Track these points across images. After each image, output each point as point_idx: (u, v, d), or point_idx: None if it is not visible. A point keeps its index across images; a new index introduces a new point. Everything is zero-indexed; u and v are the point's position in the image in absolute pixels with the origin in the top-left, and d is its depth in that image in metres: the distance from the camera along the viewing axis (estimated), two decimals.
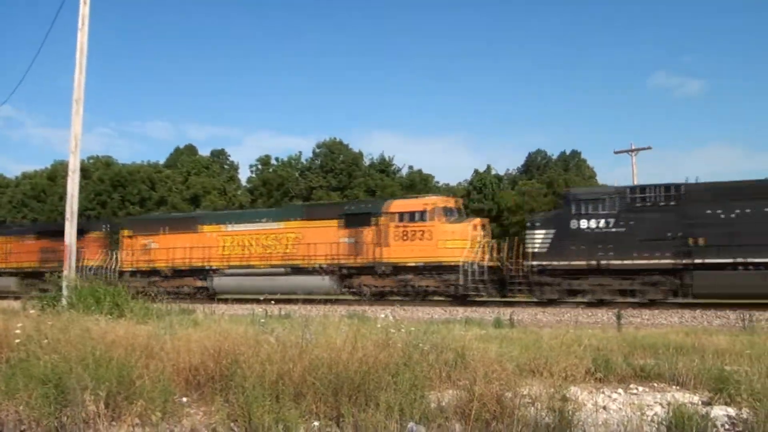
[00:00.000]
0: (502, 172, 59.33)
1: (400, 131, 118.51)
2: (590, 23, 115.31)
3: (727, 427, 6.23)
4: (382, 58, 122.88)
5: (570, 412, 6.09)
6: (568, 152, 61.68)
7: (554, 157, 61.30)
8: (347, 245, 28.70)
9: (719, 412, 6.44)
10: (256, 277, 30.28)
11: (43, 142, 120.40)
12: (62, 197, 30.16)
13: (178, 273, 33.13)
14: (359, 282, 28.70)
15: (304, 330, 8.01)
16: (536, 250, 24.95)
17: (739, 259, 21.85)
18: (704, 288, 22.43)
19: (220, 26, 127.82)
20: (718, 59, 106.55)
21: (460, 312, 21.70)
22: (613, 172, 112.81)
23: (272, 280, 28.92)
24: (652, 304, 23.08)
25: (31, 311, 11.87)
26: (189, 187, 58.15)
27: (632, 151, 38.98)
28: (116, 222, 39.08)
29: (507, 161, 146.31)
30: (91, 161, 62.35)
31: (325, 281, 28.81)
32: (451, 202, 29.01)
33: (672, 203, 23.44)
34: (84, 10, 17.17)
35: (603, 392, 7.32)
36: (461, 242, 26.18)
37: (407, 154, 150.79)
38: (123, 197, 57.21)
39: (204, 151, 67.92)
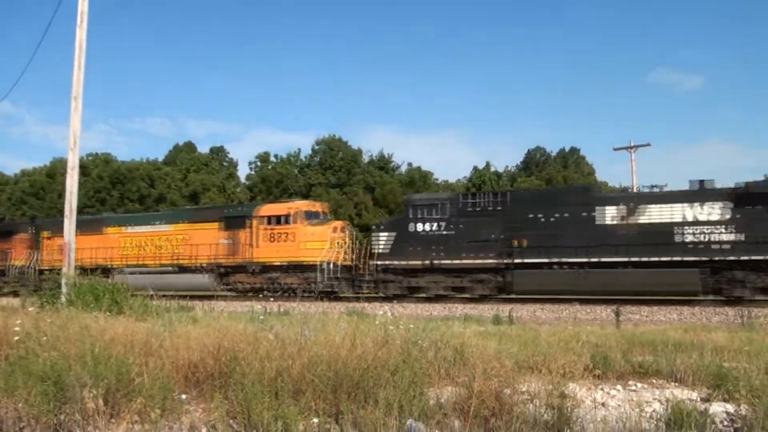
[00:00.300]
0: (501, 169, 59.40)
1: (400, 128, 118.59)
2: (590, 20, 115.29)
3: (725, 423, 6.23)
4: (382, 55, 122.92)
5: (569, 409, 6.10)
6: (567, 149, 61.73)
7: (553, 154, 61.37)
8: (225, 246, 31.55)
9: (718, 408, 6.45)
10: (149, 275, 32.16)
11: (42, 139, 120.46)
12: (61, 194, 30.53)
13: (84, 272, 34.90)
14: (235, 279, 31.46)
15: (303, 327, 8.02)
16: (380, 250, 28.00)
17: (554, 259, 24.62)
18: (523, 285, 25.16)
19: (219, 23, 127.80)
20: (717, 55, 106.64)
21: (459, 309, 21.75)
22: (612, 169, 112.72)
23: (162, 278, 31.18)
24: (483, 299, 25.51)
25: (30, 308, 11.88)
26: (188, 185, 58.09)
27: (631, 148, 38.99)
28: (39, 224, 40.86)
29: (506, 158, 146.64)
30: (90, 158, 62.31)
31: (205, 279, 31.56)
32: (316, 206, 32.10)
33: (498, 208, 26.19)
34: (83, 6, 17.14)
35: (602, 389, 7.33)
36: (321, 243, 28.82)
37: (406, 151, 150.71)
38: (122, 194, 57.22)
39: (203, 148, 67.99)
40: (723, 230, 22.88)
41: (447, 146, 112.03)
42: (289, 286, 29.53)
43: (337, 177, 55.58)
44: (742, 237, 22.56)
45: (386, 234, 28.18)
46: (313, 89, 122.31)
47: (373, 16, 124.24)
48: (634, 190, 28.69)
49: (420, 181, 53.78)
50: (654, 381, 7.67)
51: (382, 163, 57.42)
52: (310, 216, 30.31)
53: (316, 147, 59.15)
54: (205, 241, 31.76)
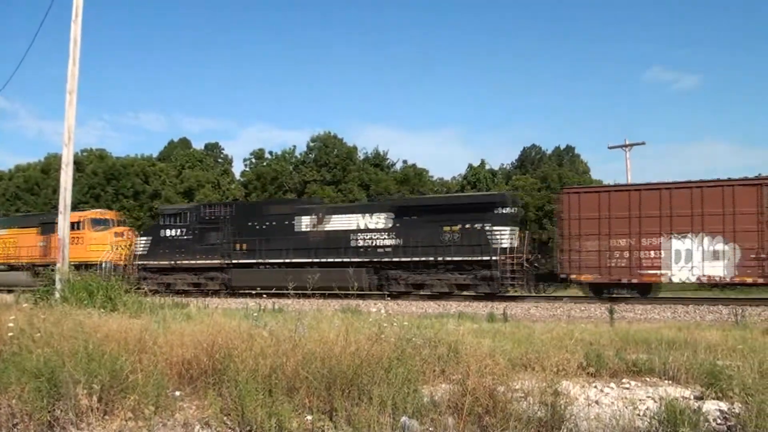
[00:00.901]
0: (496, 167, 59.38)
1: (395, 125, 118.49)
2: (585, 17, 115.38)
3: (719, 421, 6.25)
4: (377, 52, 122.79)
5: (562, 407, 6.11)
6: (562, 147, 61.74)
7: (548, 152, 61.32)
8: (41, 248, 36.40)
9: (711, 406, 6.47)
10: None
11: (36, 134, 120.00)
12: (56, 190, 30.97)
13: None
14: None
15: (297, 324, 8.02)
16: (140, 252, 33.32)
17: (261, 260, 29.74)
18: (239, 281, 30.29)
19: (214, 19, 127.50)
20: (713, 54, 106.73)
21: (454, 307, 21.80)
22: (607, 167, 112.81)
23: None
24: (211, 293, 29.90)
25: (24, 305, 11.85)
26: (183, 181, 57.93)
27: (626, 146, 39.04)
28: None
29: (501, 156, 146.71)
30: (84, 154, 62.07)
31: (26, 276, 35.42)
32: (105, 215, 37.35)
33: (227, 217, 31.24)
34: (78, 1, 17.10)
35: (595, 386, 7.35)
36: (103, 246, 33.96)
37: (401, 148, 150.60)
38: (116, 190, 57.01)
39: (198, 145, 67.76)
40: (386, 237, 27.57)
41: (443, 144, 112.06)
42: None
43: (332, 174, 55.51)
44: (400, 242, 27.13)
45: (145, 238, 33.68)
46: (309, 86, 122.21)
47: (369, 15, 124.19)
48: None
49: (415, 178, 53.76)
50: (648, 379, 7.69)
51: (378, 161, 57.36)
52: (97, 223, 35.63)
53: (312, 144, 59.06)
54: (27, 243, 37.13)
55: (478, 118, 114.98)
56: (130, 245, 34.34)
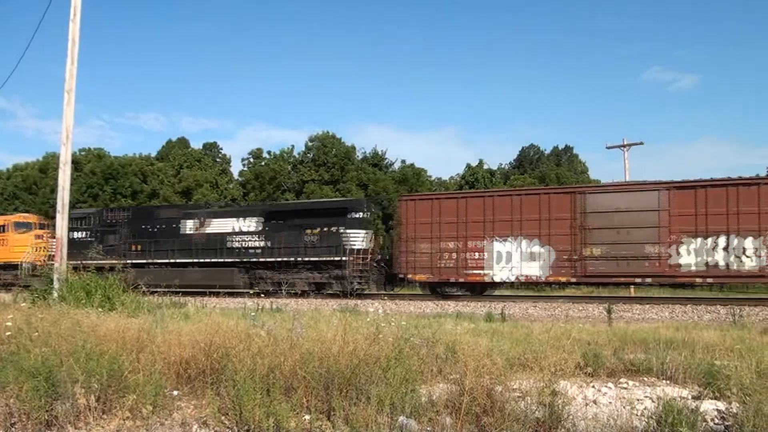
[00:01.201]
0: (494, 167, 59.34)
1: (393, 125, 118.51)
2: (584, 18, 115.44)
3: (716, 421, 6.26)
4: (376, 52, 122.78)
5: (560, 406, 6.12)
6: (561, 147, 61.77)
7: (547, 151, 61.35)
8: None
9: (709, 406, 6.48)
10: None
11: (35, 133, 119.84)
12: (54, 189, 31.25)
13: None
14: None
15: (294, 323, 8.02)
16: (52, 253, 33.02)
17: (150, 260, 31.83)
18: (132, 280, 29.54)
19: (213, 18, 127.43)
20: (711, 54, 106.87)
21: (452, 306, 21.81)
22: (605, 167, 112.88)
23: None
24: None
25: (22, 304, 11.85)
26: (181, 180, 57.83)
27: (624, 146, 39.06)
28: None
29: (500, 155, 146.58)
30: (83, 153, 61.96)
31: None
32: (28, 219, 39.67)
33: (125, 221, 33.85)
34: (76, 0, 17.07)
35: (593, 386, 7.34)
36: (25, 248, 35.90)
37: (400, 148, 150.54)
38: (115, 190, 56.93)
39: (196, 144, 67.59)
40: (257, 239, 29.88)
41: (441, 144, 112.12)
42: (11, 281, 34.83)
43: (330, 174, 55.47)
44: (268, 244, 29.41)
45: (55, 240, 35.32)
46: (308, 86, 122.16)
47: (368, 14, 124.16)
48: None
49: (413, 178, 53.69)
50: (645, 379, 7.69)
51: (376, 160, 57.31)
52: (20, 226, 37.93)
53: (310, 143, 58.99)
54: None
55: (477, 118, 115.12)
56: (46, 247, 35.79)
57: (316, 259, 28.31)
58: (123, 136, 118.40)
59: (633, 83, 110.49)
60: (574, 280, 24.93)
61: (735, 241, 22.29)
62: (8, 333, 7.87)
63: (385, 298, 21.41)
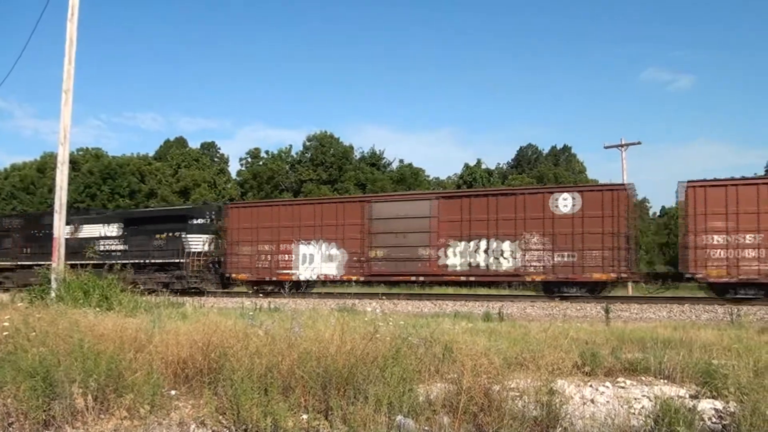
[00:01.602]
0: (492, 166, 59.41)
1: (391, 125, 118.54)
2: (582, 18, 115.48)
3: (714, 420, 6.26)
4: (375, 52, 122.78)
5: (557, 405, 6.12)
6: (559, 147, 61.83)
7: (545, 151, 61.44)
8: None
9: (706, 405, 6.48)
10: None
11: (32, 133, 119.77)
12: (51, 189, 31.53)
13: None
14: None
15: (292, 323, 8.01)
16: None
17: (35, 262, 30.99)
18: (21, 280, 33.25)
19: (211, 18, 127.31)
20: (709, 55, 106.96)
21: (450, 306, 21.84)
22: (603, 167, 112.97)
23: None
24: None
25: (20, 304, 11.83)
26: (179, 180, 57.90)
27: (622, 146, 39.10)
28: None
29: (498, 155, 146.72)
30: (80, 153, 61.97)
31: None
32: None
33: (18, 226, 37.35)
34: (73, 0, 17.04)
35: (590, 385, 7.34)
36: None
37: (398, 148, 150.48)
38: (112, 189, 56.95)
39: (194, 144, 67.68)
40: (118, 243, 33.39)
41: (439, 143, 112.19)
42: None
43: (328, 173, 55.55)
44: (127, 247, 32.93)
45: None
46: (306, 86, 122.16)
47: (366, 15, 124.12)
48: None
49: (411, 178, 53.79)
50: (643, 378, 7.69)
51: (374, 160, 57.40)
52: None
53: (308, 143, 59.07)
54: None
55: (475, 118, 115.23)
56: None
57: (162, 261, 31.52)
58: (121, 136, 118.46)
59: (631, 83, 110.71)
60: (362, 279, 27.80)
61: (494, 245, 25.17)
62: (5, 333, 7.86)
63: (384, 298, 21.45)
